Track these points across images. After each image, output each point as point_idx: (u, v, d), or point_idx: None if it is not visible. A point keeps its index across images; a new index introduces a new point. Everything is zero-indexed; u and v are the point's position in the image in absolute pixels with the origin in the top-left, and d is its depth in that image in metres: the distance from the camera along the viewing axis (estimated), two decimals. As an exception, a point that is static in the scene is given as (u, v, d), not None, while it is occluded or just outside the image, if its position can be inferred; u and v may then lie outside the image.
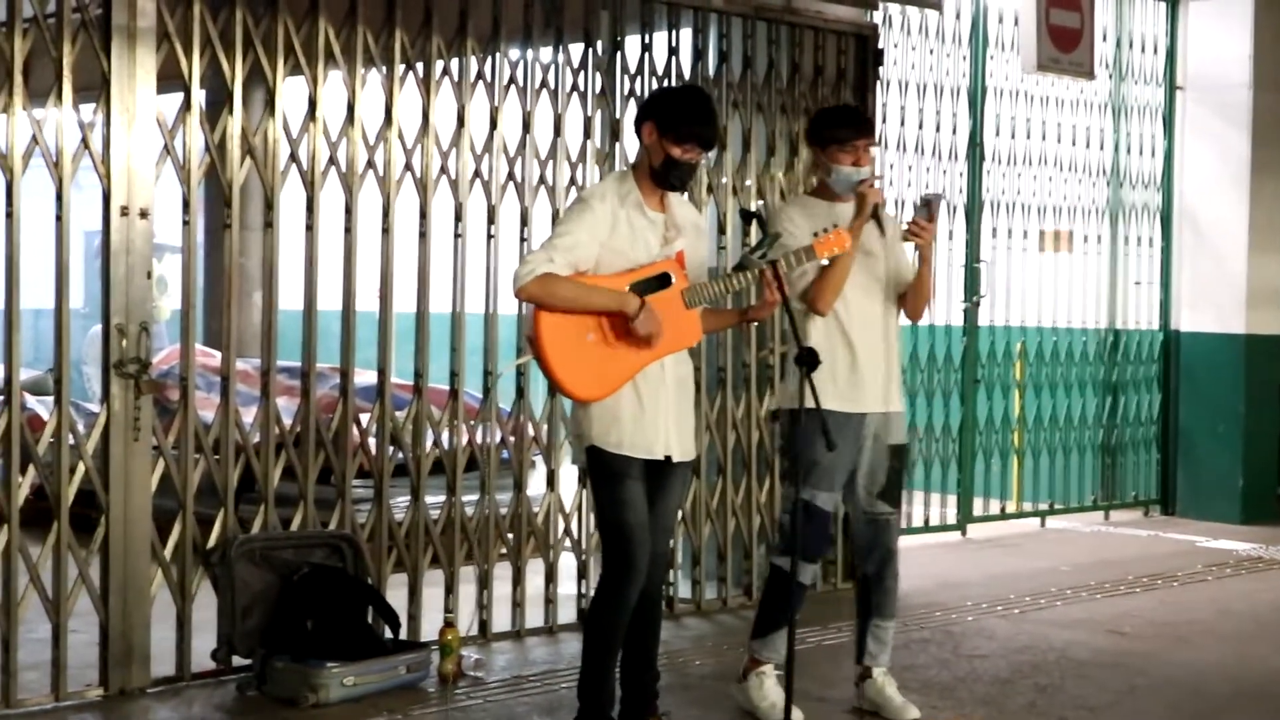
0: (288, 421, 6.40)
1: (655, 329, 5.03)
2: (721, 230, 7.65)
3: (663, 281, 5.13)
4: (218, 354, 6.50)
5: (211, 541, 6.10)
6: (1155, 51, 11.12)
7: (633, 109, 7.19)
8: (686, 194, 7.03)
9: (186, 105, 6.00)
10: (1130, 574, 8.94)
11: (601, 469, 5.13)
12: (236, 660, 6.01)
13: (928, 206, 5.75)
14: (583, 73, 7.18)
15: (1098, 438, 11.17)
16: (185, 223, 6.05)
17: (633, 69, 7.38)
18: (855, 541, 6.03)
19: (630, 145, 5.31)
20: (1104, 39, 10.66)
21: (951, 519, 10.14)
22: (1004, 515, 10.61)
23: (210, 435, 6.14)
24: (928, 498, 9.95)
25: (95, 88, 5.76)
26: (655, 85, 7.41)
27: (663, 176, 5.16)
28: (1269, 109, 10.90)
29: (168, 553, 5.96)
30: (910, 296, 5.86)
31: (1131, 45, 11.02)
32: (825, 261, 5.50)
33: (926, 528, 9.88)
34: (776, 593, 5.79)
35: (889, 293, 5.81)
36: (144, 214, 5.80)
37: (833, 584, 8.10)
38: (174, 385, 6.37)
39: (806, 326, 5.67)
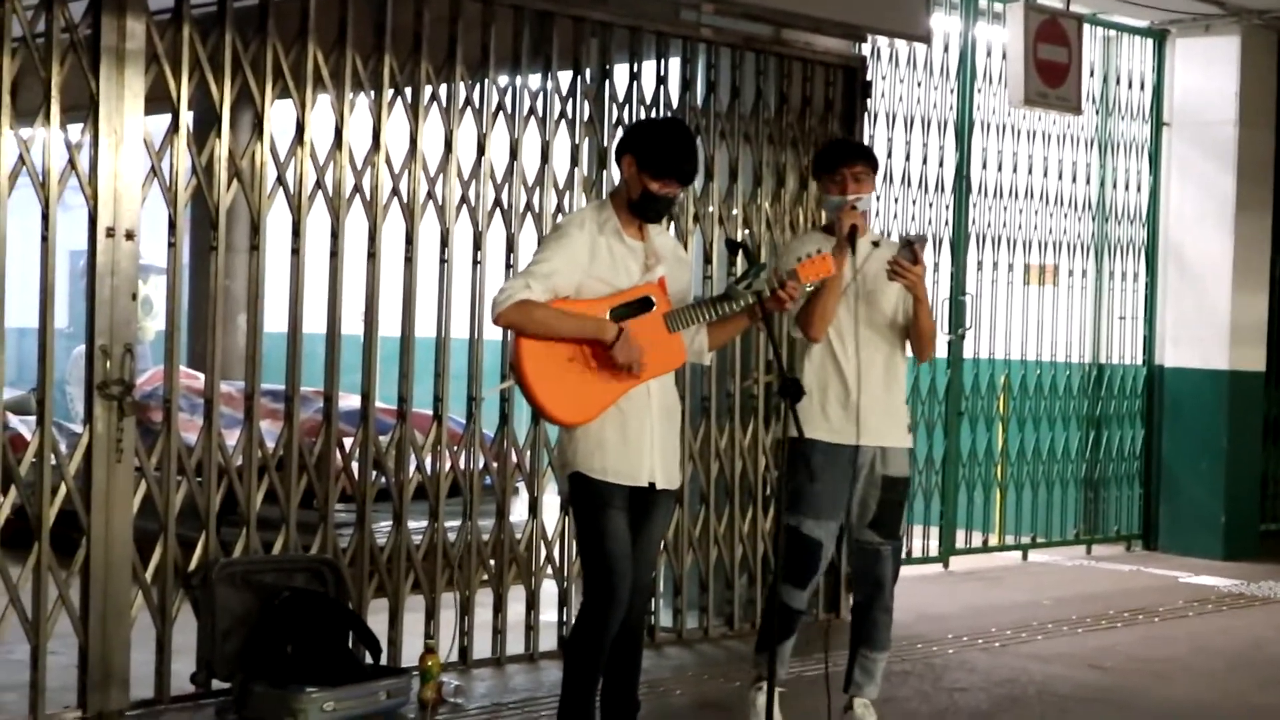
0: (271, 445, 6.38)
1: (634, 356, 5.01)
2: (707, 260, 7.66)
3: (645, 305, 5.12)
4: (201, 376, 6.48)
5: (193, 564, 6.08)
6: (1142, 87, 11.17)
7: (620, 137, 7.21)
8: (671, 224, 7.07)
9: (174, 127, 5.98)
10: (1111, 609, 8.95)
11: (585, 496, 5.11)
12: (216, 684, 5.97)
13: (909, 247, 5.61)
14: (571, 100, 7.19)
15: (1081, 472, 11.18)
16: (171, 244, 6.04)
17: (620, 97, 7.39)
18: (852, 570, 6.08)
19: (617, 173, 5.32)
20: (1091, 74, 10.72)
21: (934, 551, 10.15)
22: (986, 548, 10.61)
23: (193, 458, 6.13)
24: (910, 529, 9.94)
25: (83, 108, 5.74)
26: (643, 114, 7.42)
27: (640, 209, 5.16)
28: (1254, 146, 10.96)
29: (148, 575, 5.94)
30: (912, 335, 5.85)
31: (1118, 81, 11.08)
32: (810, 287, 5.50)
33: (909, 559, 9.84)
34: (770, 614, 5.85)
35: (893, 328, 5.80)
36: (130, 235, 5.79)
37: (827, 614, 8.09)
38: (157, 407, 6.36)
39: (803, 356, 5.74)
